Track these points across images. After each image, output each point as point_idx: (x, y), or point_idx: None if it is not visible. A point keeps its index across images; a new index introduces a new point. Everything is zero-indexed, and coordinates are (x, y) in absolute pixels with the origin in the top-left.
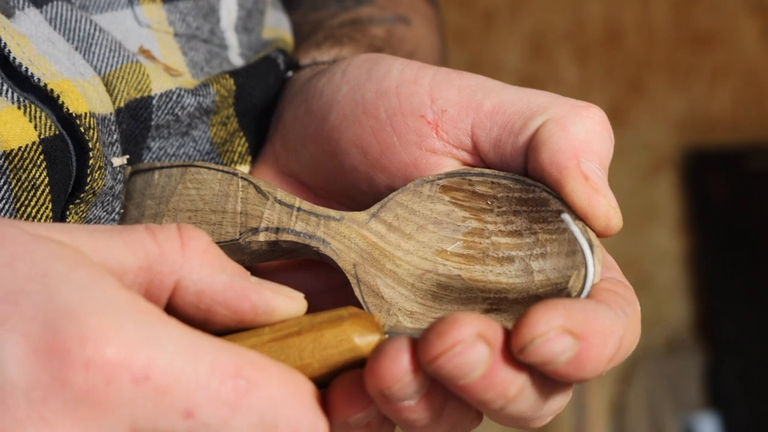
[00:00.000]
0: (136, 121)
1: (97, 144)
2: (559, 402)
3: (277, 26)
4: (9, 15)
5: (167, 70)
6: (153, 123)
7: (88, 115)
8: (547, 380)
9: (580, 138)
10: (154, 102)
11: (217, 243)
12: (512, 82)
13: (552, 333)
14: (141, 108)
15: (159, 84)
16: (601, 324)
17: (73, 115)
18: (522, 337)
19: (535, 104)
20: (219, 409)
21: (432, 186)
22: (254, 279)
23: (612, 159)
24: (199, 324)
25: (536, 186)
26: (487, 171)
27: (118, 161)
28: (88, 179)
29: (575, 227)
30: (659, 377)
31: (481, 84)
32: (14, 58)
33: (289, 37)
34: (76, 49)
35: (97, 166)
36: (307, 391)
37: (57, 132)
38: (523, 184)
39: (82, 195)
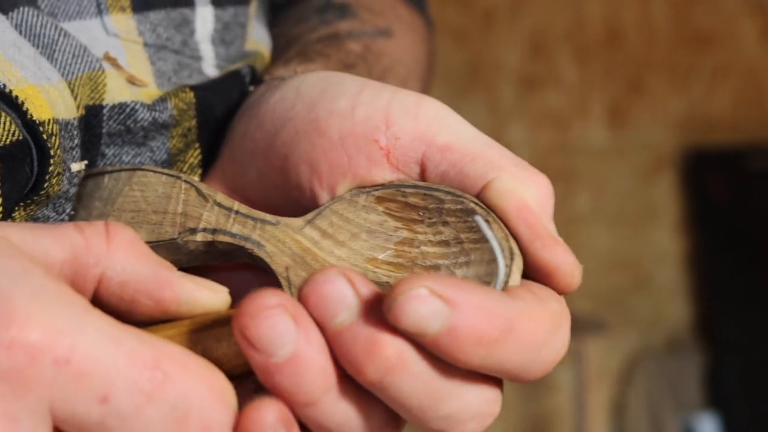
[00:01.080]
0: (87, 128)
1: (58, 151)
2: (473, 397)
3: (260, 40)
4: None
5: (131, 80)
6: (104, 131)
7: (51, 121)
8: (439, 363)
9: (538, 199)
10: (105, 112)
11: (156, 242)
12: (512, 82)
13: (417, 291)
14: (91, 116)
15: (113, 95)
16: (479, 298)
17: (37, 122)
18: (388, 297)
19: (489, 153)
20: (134, 397)
21: (368, 197)
22: (178, 272)
23: (612, 159)
24: (124, 314)
25: (464, 197)
26: (420, 183)
27: (77, 166)
28: (45, 184)
29: (489, 231)
30: (659, 377)
31: (438, 116)
32: None
33: (267, 52)
34: (42, 54)
35: (56, 172)
36: (220, 385)
37: (21, 137)
38: (453, 195)
39: (35, 197)
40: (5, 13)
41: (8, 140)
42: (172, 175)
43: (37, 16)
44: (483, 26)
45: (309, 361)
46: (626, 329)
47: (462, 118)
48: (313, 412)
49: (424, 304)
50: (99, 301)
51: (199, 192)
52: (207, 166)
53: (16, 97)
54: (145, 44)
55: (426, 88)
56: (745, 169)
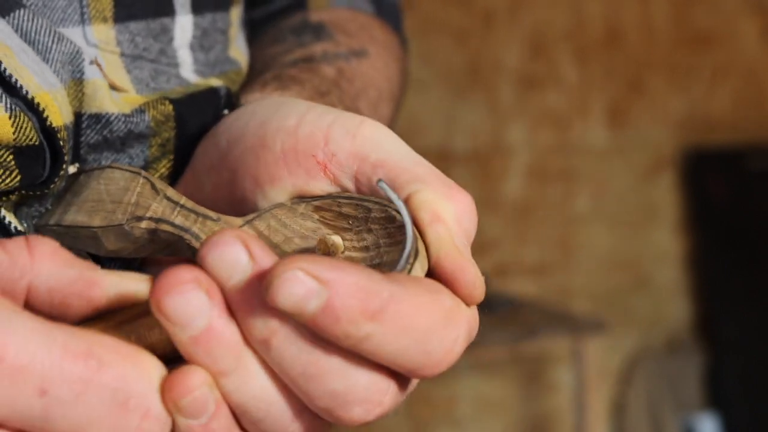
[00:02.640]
0: (74, 134)
1: (67, 156)
2: (360, 380)
3: (242, 49)
4: None
5: (113, 85)
6: (82, 140)
7: (63, 128)
8: (323, 343)
9: (454, 214)
10: (84, 120)
11: (106, 226)
12: (512, 82)
13: (292, 272)
14: (75, 124)
15: (90, 105)
16: (353, 277)
17: (55, 128)
18: (266, 279)
19: (415, 172)
20: (72, 385)
21: (307, 205)
22: (102, 270)
23: (612, 159)
24: (58, 319)
25: (389, 207)
26: (354, 195)
27: (73, 169)
28: (52, 185)
29: (408, 222)
30: (659, 377)
31: (375, 137)
32: (5, 69)
33: (245, 65)
34: (43, 60)
35: (63, 174)
36: (155, 370)
37: (38, 142)
38: (380, 205)
39: (38, 193)
40: (4, 16)
41: (26, 143)
42: (134, 171)
43: (32, 20)
44: (483, 26)
45: (222, 332)
46: (626, 329)
47: (399, 140)
48: (230, 383)
49: (299, 285)
50: (31, 311)
51: (153, 186)
52: (178, 178)
53: (38, 104)
54: (122, 54)
55: (398, 106)
56: (745, 169)
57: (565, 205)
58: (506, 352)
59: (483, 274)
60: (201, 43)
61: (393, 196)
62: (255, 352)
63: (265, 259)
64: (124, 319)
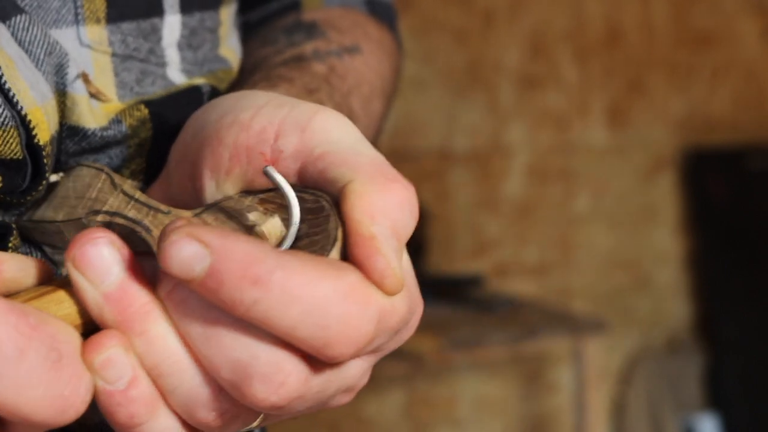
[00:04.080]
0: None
1: (48, 172)
2: (262, 353)
3: (234, 49)
4: None
5: (97, 94)
6: (62, 148)
7: (48, 143)
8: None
9: (384, 203)
10: (64, 130)
11: (67, 220)
12: (512, 82)
13: (178, 236)
14: (57, 133)
15: (71, 117)
16: (238, 244)
17: (42, 146)
18: (157, 244)
19: (353, 162)
20: (17, 340)
21: (253, 198)
22: (4, 252)
23: (612, 159)
24: None
25: (322, 197)
26: (296, 187)
27: (55, 177)
28: (34, 192)
29: (292, 196)
30: (659, 377)
31: (325, 128)
32: (5, 82)
33: (236, 64)
34: (38, 69)
35: (43, 187)
36: (74, 334)
37: (21, 157)
38: (315, 195)
39: (20, 200)
40: (4, 21)
41: (9, 156)
42: (97, 168)
43: (28, 29)
44: (483, 26)
45: (133, 290)
46: (626, 329)
47: (352, 129)
48: (141, 344)
49: (185, 248)
50: None
51: (112, 181)
52: (149, 177)
53: (29, 121)
54: (113, 54)
55: (391, 103)
56: (745, 169)
57: (565, 205)
58: (506, 352)
59: (478, 275)
60: (189, 42)
61: (278, 179)
62: (165, 314)
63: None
64: (33, 296)
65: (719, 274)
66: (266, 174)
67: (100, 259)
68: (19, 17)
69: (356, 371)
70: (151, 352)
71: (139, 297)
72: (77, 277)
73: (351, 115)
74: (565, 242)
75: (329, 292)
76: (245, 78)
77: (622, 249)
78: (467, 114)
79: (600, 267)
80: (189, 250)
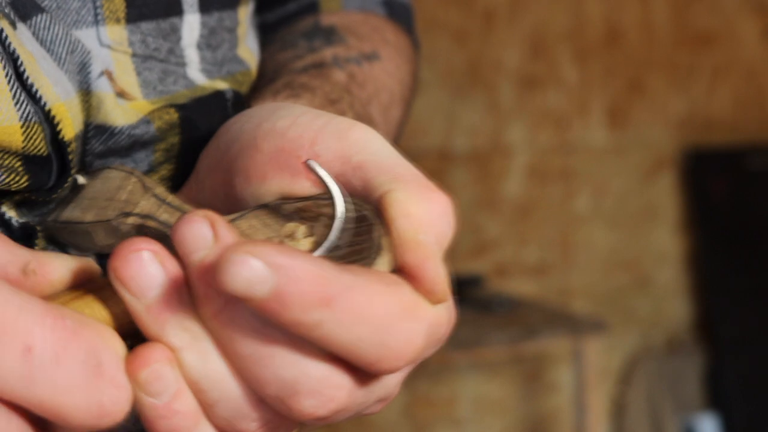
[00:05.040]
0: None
1: (74, 169)
2: (313, 370)
3: (252, 50)
4: (14, 27)
5: (121, 93)
6: (88, 148)
7: (74, 140)
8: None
9: (426, 213)
10: (90, 129)
11: (96, 222)
12: (512, 82)
13: (241, 256)
14: (83, 132)
15: (97, 116)
16: (307, 265)
17: (66, 142)
18: (217, 263)
19: (394, 171)
20: (54, 344)
21: (289, 206)
22: (52, 252)
23: (612, 159)
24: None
25: (363, 206)
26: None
27: (82, 179)
28: (59, 190)
29: (336, 191)
30: (659, 377)
31: (363, 139)
32: (27, 77)
33: (255, 66)
34: (59, 67)
35: (69, 184)
36: (116, 339)
37: (46, 153)
38: (355, 204)
39: (34, 197)
40: (25, 21)
41: (34, 153)
42: (128, 171)
43: (49, 27)
44: (483, 26)
45: (176, 303)
46: (626, 329)
47: (387, 143)
48: (185, 358)
49: (248, 268)
50: None
51: (143, 184)
52: (178, 183)
53: (53, 116)
54: (134, 54)
55: (409, 109)
56: (745, 169)
57: (564, 205)
58: (506, 352)
59: (478, 275)
60: (208, 41)
61: (321, 172)
62: (210, 329)
63: (228, 239)
64: (75, 297)
65: (719, 274)
66: (307, 167)
67: (143, 272)
68: (39, 17)
69: (396, 381)
70: (194, 366)
71: (182, 309)
72: (120, 289)
73: (371, 124)
74: (565, 242)
75: (389, 310)
76: (266, 84)
77: (622, 249)
78: (467, 114)
79: (600, 267)
80: (252, 269)
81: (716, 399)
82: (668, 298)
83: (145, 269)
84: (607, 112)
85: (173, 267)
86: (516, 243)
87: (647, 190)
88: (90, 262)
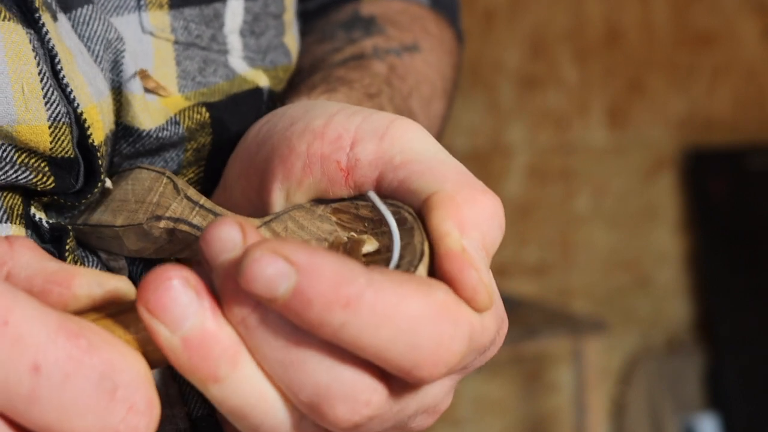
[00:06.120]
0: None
1: (104, 174)
2: (345, 375)
3: (297, 41)
4: (55, 20)
5: (155, 90)
6: (116, 149)
7: (103, 143)
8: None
9: (473, 216)
10: (119, 130)
11: (127, 225)
12: (512, 82)
13: (262, 253)
14: (112, 133)
15: (126, 117)
16: (329, 262)
17: (96, 146)
18: (239, 262)
19: (438, 171)
20: (64, 363)
21: (325, 207)
22: (82, 267)
23: (612, 159)
24: None
25: (403, 209)
26: (372, 197)
27: (109, 183)
28: (89, 195)
29: (390, 218)
30: (659, 377)
31: (404, 138)
32: (63, 76)
33: (295, 56)
34: (96, 63)
35: (99, 189)
36: (141, 363)
37: (72, 155)
38: (395, 206)
39: (62, 201)
40: (66, 12)
41: (61, 155)
42: (159, 172)
43: (88, 23)
44: (483, 26)
45: (217, 334)
46: (626, 329)
47: (430, 139)
48: (226, 388)
49: (269, 265)
50: None
51: (175, 186)
52: (208, 185)
53: (84, 120)
54: (176, 42)
55: (452, 102)
56: (745, 169)
57: (565, 205)
58: (506, 352)
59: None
60: (252, 28)
61: (380, 205)
62: (240, 336)
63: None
64: (102, 316)
65: (719, 274)
66: (368, 199)
67: (176, 304)
68: (81, 9)
69: (439, 391)
70: (235, 395)
71: (221, 340)
72: (151, 322)
73: (411, 118)
74: (565, 242)
75: (420, 312)
76: (303, 78)
77: (622, 249)
78: (467, 114)
79: (600, 267)
80: (274, 267)
81: (716, 399)
82: (668, 298)
83: (178, 299)
84: (607, 112)
85: (207, 294)
86: (516, 243)
87: (647, 190)
88: (126, 280)
